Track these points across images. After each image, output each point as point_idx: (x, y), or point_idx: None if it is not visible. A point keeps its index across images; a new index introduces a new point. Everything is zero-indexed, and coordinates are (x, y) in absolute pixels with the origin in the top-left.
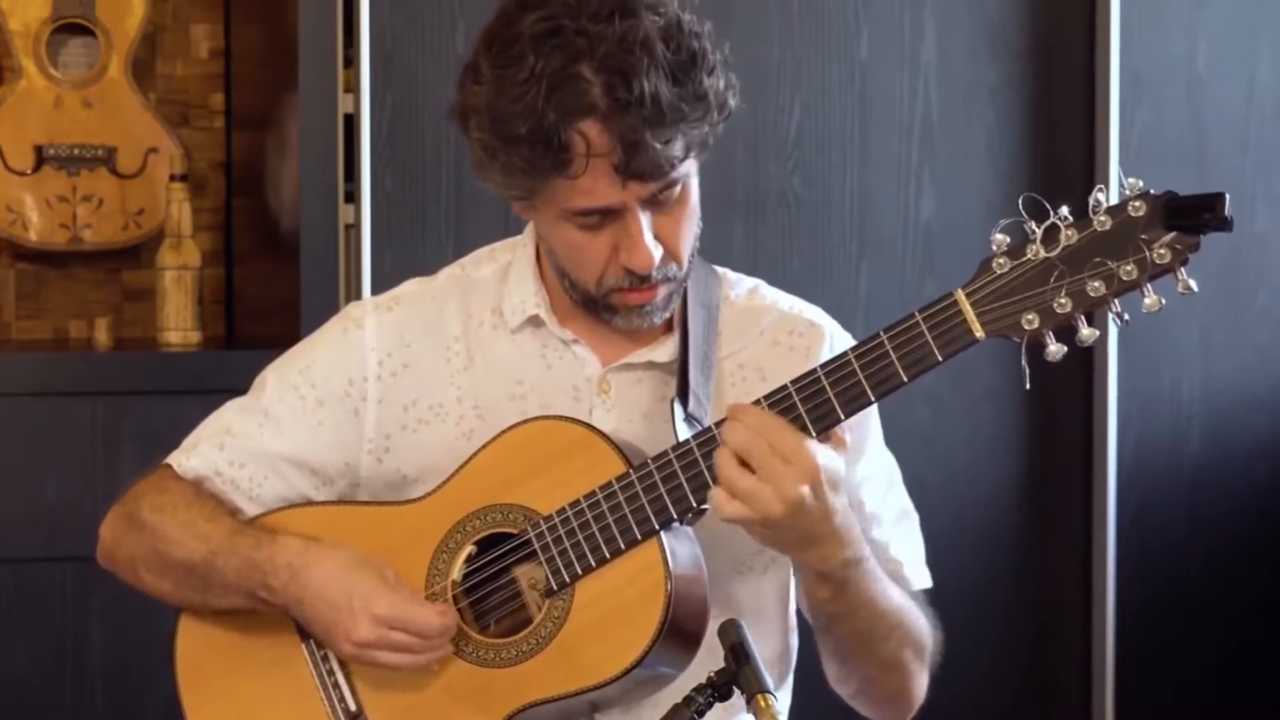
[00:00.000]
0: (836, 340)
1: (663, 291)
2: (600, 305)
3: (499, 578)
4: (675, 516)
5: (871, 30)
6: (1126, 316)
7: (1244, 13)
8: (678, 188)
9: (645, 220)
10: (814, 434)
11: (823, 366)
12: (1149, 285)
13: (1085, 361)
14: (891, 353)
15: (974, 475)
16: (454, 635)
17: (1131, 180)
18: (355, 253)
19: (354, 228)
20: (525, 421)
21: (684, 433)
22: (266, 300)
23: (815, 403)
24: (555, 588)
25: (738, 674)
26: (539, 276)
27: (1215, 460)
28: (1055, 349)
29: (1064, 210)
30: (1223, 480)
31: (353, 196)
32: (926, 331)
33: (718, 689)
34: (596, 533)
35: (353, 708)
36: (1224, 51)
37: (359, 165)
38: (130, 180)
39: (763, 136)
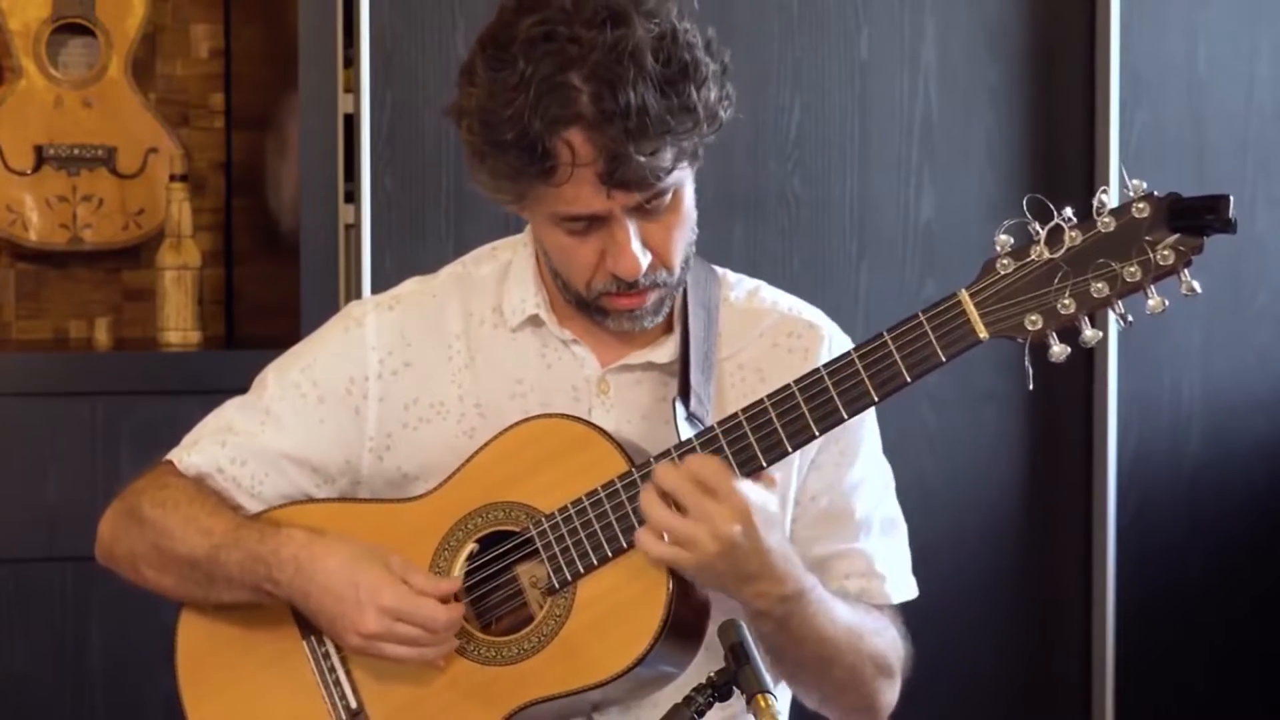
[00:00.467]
0: (835, 342)
1: (652, 297)
2: (591, 308)
3: (500, 576)
4: None
5: (871, 30)
6: (1130, 318)
7: (1244, 13)
8: (667, 196)
9: (632, 228)
10: (817, 434)
11: (826, 366)
12: (1153, 286)
13: (1086, 363)
14: (895, 353)
15: (975, 476)
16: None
17: (1135, 182)
18: (355, 253)
19: (354, 228)
20: (527, 419)
21: (686, 432)
22: (266, 300)
23: (818, 402)
24: (557, 586)
25: (738, 674)
26: (539, 276)
27: (1215, 460)
28: (1059, 350)
29: (1068, 211)
30: (1223, 480)
31: (353, 196)
32: (930, 332)
33: (718, 689)
34: (598, 530)
35: (353, 704)
36: (1224, 51)
37: (359, 165)
38: (130, 180)
39: (763, 136)
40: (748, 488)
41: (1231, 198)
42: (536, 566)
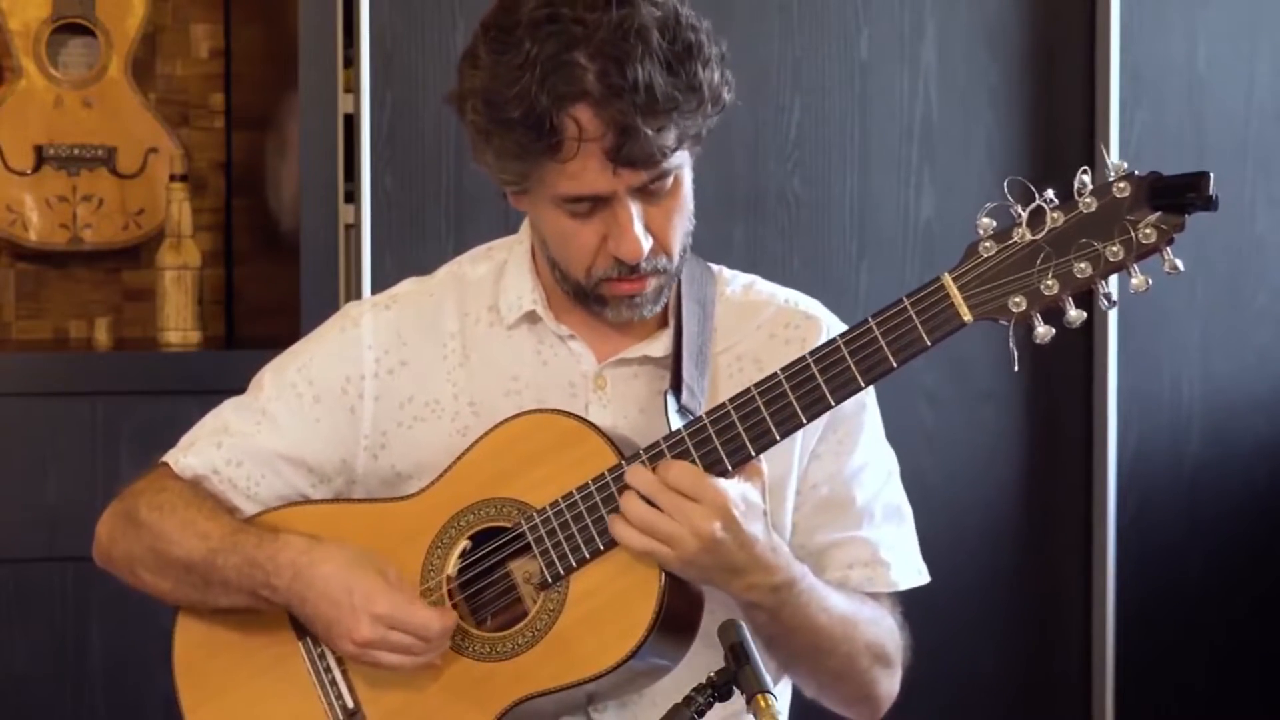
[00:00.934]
0: (833, 332)
1: (652, 284)
2: (590, 296)
3: (494, 572)
4: None
5: (871, 30)
6: (1115, 297)
7: (1244, 13)
8: (669, 179)
9: (635, 210)
10: (804, 420)
11: (812, 354)
12: (1136, 266)
13: (1086, 362)
14: (880, 338)
15: (974, 474)
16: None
17: (1115, 161)
18: (355, 253)
19: (354, 228)
20: (518, 415)
21: (677, 424)
22: (266, 300)
23: (805, 390)
24: (550, 581)
25: (738, 674)
26: (535, 273)
27: (1215, 460)
28: (1043, 330)
29: (1049, 193)
30: (1223, 480)
31: (353, 196)
32: (915, 316)
33: (718, 689)
34: (590, 525)
35: (350, 705)
36: (1224, 51)
37: (359, 165)
38: (130, 180)
39: (763, 136)
40: (725, 483)
41: (1212, 175)
42: (529, 562)
